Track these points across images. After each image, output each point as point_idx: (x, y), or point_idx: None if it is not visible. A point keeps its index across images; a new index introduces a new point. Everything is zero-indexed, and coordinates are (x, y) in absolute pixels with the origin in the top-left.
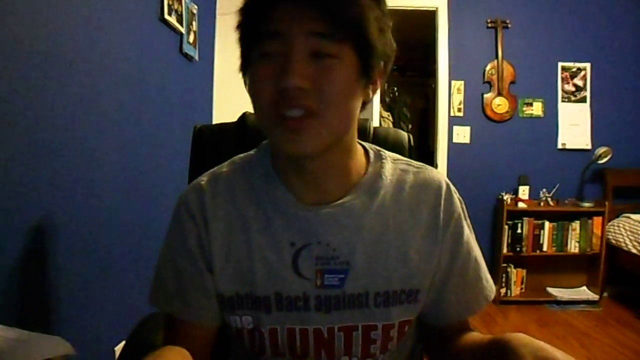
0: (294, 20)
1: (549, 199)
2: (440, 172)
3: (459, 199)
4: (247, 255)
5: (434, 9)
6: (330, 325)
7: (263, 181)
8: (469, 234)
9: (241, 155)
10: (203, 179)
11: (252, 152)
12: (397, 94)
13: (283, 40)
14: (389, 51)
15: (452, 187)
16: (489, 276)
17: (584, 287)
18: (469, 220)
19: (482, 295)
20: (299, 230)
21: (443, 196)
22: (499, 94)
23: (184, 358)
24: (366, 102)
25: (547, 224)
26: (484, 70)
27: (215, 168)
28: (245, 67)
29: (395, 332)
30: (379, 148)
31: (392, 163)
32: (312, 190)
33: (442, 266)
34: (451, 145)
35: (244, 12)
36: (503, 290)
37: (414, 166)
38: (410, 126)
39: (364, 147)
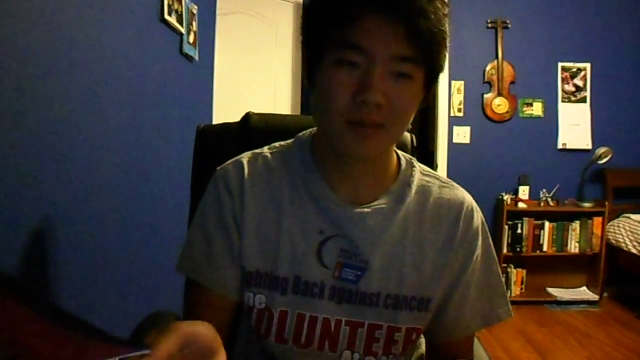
0: (381, 39)
1: (549, 199)
2: (464, 190)
3: (481, 219)
4: (276, 235)
5: None
6: (339, 317)
7: (301, 169)
8: (482, 255)
9: (280, 142)
10: (244, 156)
11: (288, 141)
12: None
13: (366, 55)
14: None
15: (475, 206)
16: (501, 301)
17: (584, 287)
18: (490, 242)
19: (482, 315)
20: (329, 221)
21: (463, 214)
22: (499, 94)
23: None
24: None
25: (547, 224)
26: (484, 70)
27: (256, 149)
28: (313, 67)
29: (401, 336)
30: (411, 157)
31: (420, 174)
32: (347, 188)
33: (450, 279)
34: (451, 145)
35: (320, 14)
36: None
37: (440, 180)
38: (410, 126)
39: (397, 154)
